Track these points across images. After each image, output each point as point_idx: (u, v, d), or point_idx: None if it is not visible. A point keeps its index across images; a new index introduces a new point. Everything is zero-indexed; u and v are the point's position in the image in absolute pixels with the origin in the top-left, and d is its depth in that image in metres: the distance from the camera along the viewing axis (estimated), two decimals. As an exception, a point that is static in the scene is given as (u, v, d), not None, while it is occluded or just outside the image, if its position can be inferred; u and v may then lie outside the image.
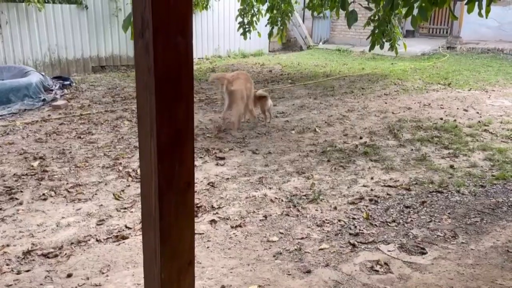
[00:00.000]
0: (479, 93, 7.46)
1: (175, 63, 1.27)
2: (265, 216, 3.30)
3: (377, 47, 8.30)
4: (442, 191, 3.71)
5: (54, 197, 3.61)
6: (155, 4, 1.17)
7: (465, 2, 4.93)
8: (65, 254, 2.76)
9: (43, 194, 3.63)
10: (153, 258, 1.42)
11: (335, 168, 4.30)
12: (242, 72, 5.83)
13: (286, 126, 5.77)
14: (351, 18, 4.26)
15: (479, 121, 5.77)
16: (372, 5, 6.01)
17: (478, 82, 8.31)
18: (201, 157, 4.60)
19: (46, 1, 9.51)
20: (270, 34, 10.38)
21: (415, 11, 4.62)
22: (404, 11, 4.76)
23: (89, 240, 2.95)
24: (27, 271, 2.59)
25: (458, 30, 13.43)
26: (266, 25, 10.49)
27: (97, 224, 3.17)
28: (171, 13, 1.21)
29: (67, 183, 3.88)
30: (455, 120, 5.86)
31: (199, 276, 2.52)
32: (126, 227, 3.15)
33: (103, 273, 2.55)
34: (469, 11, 4.92)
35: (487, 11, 4.92)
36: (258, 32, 10.52)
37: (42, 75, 7.42)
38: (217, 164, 4.42)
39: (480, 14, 4.81)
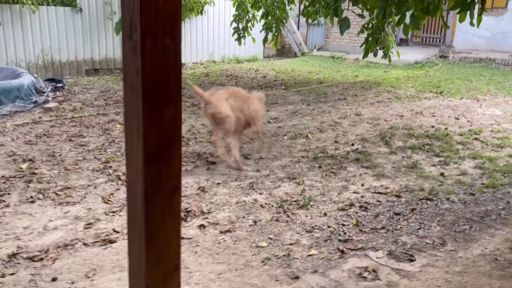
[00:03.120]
0: (471, 102, 7.52)
1: (163, 66, 1.26)
2: (255, 221, 3.28)
3: (370, 55, 8.36)
4: (432, 198, 3.72)
5: (42, 200, 3.57)
6: (143, 6, 1.17)
7: (457, 11, 4.97)
8: (51, 257, 2.72)
9: (31, 197, 3.59)
10: (138, 262, 1.40)
11: (326, 174, 4.29)
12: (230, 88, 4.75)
13: (279, 132, 5.77)
14: (344, 25, 4.29)
15: (470, 130, 5.80)
16: (366, 13, 6.05)
17: (469, 91, 8.38)
18: (192, 162, 4.58)
19: (40, 3, 9.48)
20: (264, 40, 10.42)
21: (408, 20, 4.66)
22: (397, 19, 4.80)
23: (76, 243, 2.92)
24: (12, 274, 2.55)
25: (451, 39, 13.57)
26: (260, 31, 10.54)
27: (85, 228, 3.14)
28: (159, 15, 1.21)
29: (55, 186, 3.84)
30: (446, 128, 5.89)
31: (186, 281, 2.49)
32: (114, 231, 3.11)
33: (88, 277, 2.52)
34: (461, 20, 4.97)
35: (479, 21, 4.97)
36: (252, 38, 10.56)
37: (34, 77, 7.37)
38: (208, 169, 4.40)
39: (471, 24, 4.85)
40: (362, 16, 5.13)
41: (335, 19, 6.01)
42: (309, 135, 5.62)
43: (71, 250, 2.83)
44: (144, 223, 1.35)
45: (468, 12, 4.82)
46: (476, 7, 4.95)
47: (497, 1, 12.21)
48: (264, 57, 14.48)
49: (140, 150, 1.30)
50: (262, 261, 2.72)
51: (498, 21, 12.78)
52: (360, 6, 4.57)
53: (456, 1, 4.89)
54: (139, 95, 1.26)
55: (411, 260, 2.72)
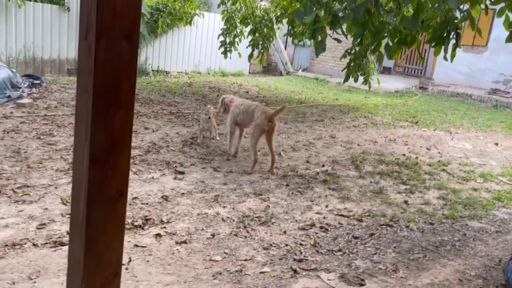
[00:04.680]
0: (443, 134, 7.70)
1: (117, 69, 1.26)
2: (213, 235, 3.25)
3: (353, 80, 8.49)
4: (392, 225, 3.76)
5: (-2, 196, 3.48)
6: (100, 7, 1.17)
7: (432, 45, 5.12)
8: (-4, 256, 2.64)
9: (-14, 192, 3.50)
10: (76, 267, 1.37)
11: (292, 193, 4.31)
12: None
13: (252, 147, 5.78)
14: (319, 47, 4.37)
15: (439, 161, 5.92)
16: (345, 38, 6.18)
17: (443, 124, 8.59)
18: (160, 170, 4.54)
19: (28, -2, 9.41)
20: (250, 56, 10.49)
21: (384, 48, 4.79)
22: (372, 47, 4.93)
23: (25, 243, 2.84)
24: (-49, 270, 2.46)
25: (431, 72, 13.95)
26: (247, 47, 10.63)
27: (37, 228, 3.06)
28: (117, 18, 1.21)
29: (15, 183, 3.75)
30: (416, 158, 6.00)
31: (132, 290, 2.44)
32: (68, 233, 3.04)
33: (31, 279, 2.44)
34: (436, 53, 5.11)
35: (452, 56, 5.11)
36: (238, 53, 10.64)
37: (12, 71, 7.26)
38: (175, 178, 4.36)
39: (445, 58, 4.99)
40: (338, 40, 5.23)
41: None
42: (282, 153, 5.65)
43: (19, 250, 2.75)
44: (85, 227, 1.33)
45: (443, 47, 4.97)
46: (452, 42, 5.11)
47: (478, 39, 12.61)
48: (249, 73, 14.59)
49: (87, 151, 1.28)
50: (213, 275, 2.70)
51: (477, 59, 13.20)
52: (338, 31, 4.67)
53: (432, 35, 5.04)
54: (90, 96, 1.25)
55: (361, 285, 2.73)
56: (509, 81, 12.70)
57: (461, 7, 4.53)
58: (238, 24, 10.40)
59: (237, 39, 10.59)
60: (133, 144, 5.15)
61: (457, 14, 5.00)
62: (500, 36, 12.19)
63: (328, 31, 5.76)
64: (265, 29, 10.39)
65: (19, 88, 7.07)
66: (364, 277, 2.83)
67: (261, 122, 4.81)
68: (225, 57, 10.64)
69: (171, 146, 5.42)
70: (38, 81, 7.81)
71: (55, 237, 2.97)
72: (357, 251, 3.22)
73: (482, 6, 4.61)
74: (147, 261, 2.78)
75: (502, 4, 4.20)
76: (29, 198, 3.51)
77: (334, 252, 3.16)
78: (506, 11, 4.17)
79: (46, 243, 2.88)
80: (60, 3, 9.82)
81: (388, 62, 14.34)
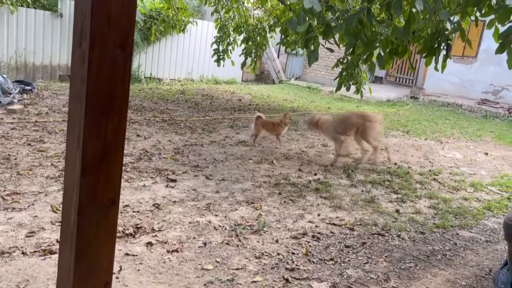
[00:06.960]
0: (434, 144, 7.76)
1: (110, 77, 1.26)
2: (205, 243, 3.24)
3: (345, 89, 8.55)
4: (383, 234, 3.77)
5: (-13, 203, 3.43)
6: (95, 14, 1.17)
7: (423, 55, 5.18)
8: (-16, 264, 2.60)
9: (-25, 199, 3.45)
10: (66, 275, 1.35)
11: (284, 201, 4.31)
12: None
13: (245, 155, 5.79)
14: (312, 57, 4.41)
15: (430, 170, 5.97)
16: (337, 47, 6.27)
17: (434, 133, 8.67)
18: (151, 177, 4.51)
19: (21, 4, 9.38)
20: (243, 64, 10.52)
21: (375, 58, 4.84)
22: (364, 57, 4.98)
23: (14, 251, 2.80)
24: None
25: (422, 82, 14.10)
26: (240, 55, 10.67)
27: (27, 236, 3.02)
28: (111, 25, 1.21)
29: (4, 190, 3.71)
30: (408, 167, 6.04)
31: (123, 299, 2.42)
32: (57, 241, 3.01)
33: (19, 288, 2.41)
34: (427, 64, 5.17)
35: (443, 66, 5.18)
36: (231, 61, 10.67)
37: (3, 77, 7.21)
38: (167, 186, 4.34)
39: (436, 69, 5.05)
40: (331, 50, 5.28)
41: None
42: (274, 161, 5.65)
43: (7, 258, 2.71)
44: (75, 235, 1.31)
45: (434, 57, 5.03)
46: (443, 53, 5.18)
47: (468, 50, 12.79)
48: (242, 80, 14.63)
49: (79, 159, 1.28)
50: (205, 284, 2.68)
51: (468, 69, 13.39)
52: (331, 41, 4.72)
53: (424, 46, 5.11)
54: (82, 104, 1.25)
55: (353, 294, 2.73)
56: (499, 92, 12.89)
57: (451, 18, 4.61)
58: (231, 32, 10.45)
59: (230, 47, 10.63)
60: (124, 152, 5.12)
61: (448, 25, 5.08)
62: (489, 47, 12.41)
63: (321, 41, 5.81)
64: (258, 38, 10.45)
65: (10, 94, 7.01)
66: (356, 286, 2.83)
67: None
68: (218, 65, 10.66)
69: (163, 154, 5.40)
70: (29, 87, 7.76)
71: (45, 245, 2.93)
72: (349, 260, 3.22)
73: (472, 18, 4.68)
74: (138, 270, 2.76)
75: (492, 16, 4.27)
76: (19, 206, 3.47)
77: (326, 261, 3.16)
78: (496, 23, 4.24)
79: (35, 251, 2.84)
80: (53, 9, 9.80)
81: (379, 72, 14.49)
